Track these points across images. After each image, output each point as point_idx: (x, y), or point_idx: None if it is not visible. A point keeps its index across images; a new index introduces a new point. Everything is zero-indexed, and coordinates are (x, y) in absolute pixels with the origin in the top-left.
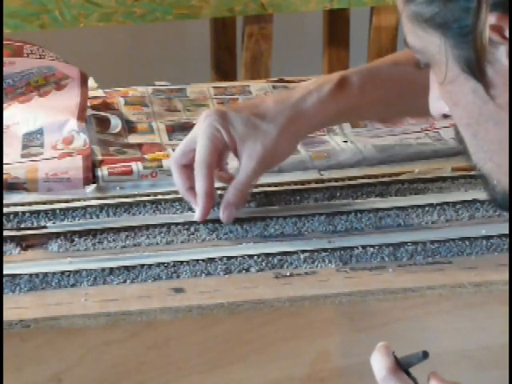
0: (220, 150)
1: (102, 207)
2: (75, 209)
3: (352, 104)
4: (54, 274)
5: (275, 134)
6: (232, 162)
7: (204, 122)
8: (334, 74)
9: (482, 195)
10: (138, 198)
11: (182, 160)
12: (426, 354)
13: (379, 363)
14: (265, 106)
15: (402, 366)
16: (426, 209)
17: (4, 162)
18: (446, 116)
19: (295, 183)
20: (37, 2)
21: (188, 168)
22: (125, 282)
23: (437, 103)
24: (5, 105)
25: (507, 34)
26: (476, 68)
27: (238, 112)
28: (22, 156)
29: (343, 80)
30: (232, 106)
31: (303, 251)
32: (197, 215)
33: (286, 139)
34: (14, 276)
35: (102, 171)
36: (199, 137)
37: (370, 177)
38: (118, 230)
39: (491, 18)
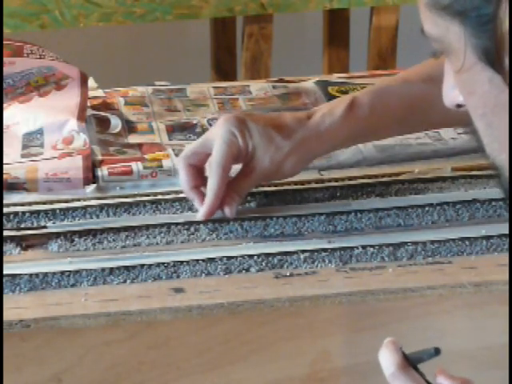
0: (235, 156)
1: (102, 207)
2: (75, 209)
3: (364, 125)
4: (54, 274)
5: (286, 151)
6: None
7: (222, 127)
8: (345, 96)
9: (482, 195)
10: (138, 198)
11: (191, 159)
12: (437, 351)
13: (387, 359)
14: (282, 121)
15: (410, 361)
16: (426, 209)
17: (4, 161)
18: (459, 106)
19: (295, 183)
20: (37, 2)
21: (195, 168)
22: (125, 282)
23: (451, 92)
24: (5, 105)
25: None
26: (494, 57)
27: (257, 121)
28: (22, 156)
29: (354, 102)
30: (251, 114)
31: (303, 251)
32: (201, 214)
33: (294, 158)
34: (13, 276)
35: (102, 171)
36: (217, 139)
37: (370, 177)
38: (117, 230)
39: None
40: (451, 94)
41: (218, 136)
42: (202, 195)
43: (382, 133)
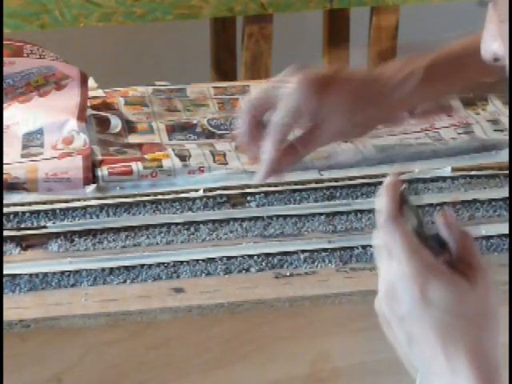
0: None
1: (102, 207)
2: (75, 209)
3: (435, 92)
4: (54, 274)
5: (360, 119)
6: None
7: (298, 86)
8: (420, 60)
9: (482, 195)
10: (138, 198)
11: (253, 106)
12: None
13: (382, 205)
14: (363, 87)
15: (407, 202)
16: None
17: (4, 161)
18: (496, 60)
19: (295, 183)
20: (37, 2)
21: (254, 118)
22: (125, 282)
23: (491, 43)
24: (5, 105)
25: None
26: None
27: (340, 86)
28: (22, 156)
29: (430, 69)
30: (334, 77)
31: (303, 251)
32: (258, 178)
33: (364, 125)
34: (13, 276)
35: (102, 171)
36: (288, 96)
37: (370, 177)
38: (117, 230)
39: None
40: (492, 46)
41: (289, 92)
42: (257, 149)
43: (445, 99)
